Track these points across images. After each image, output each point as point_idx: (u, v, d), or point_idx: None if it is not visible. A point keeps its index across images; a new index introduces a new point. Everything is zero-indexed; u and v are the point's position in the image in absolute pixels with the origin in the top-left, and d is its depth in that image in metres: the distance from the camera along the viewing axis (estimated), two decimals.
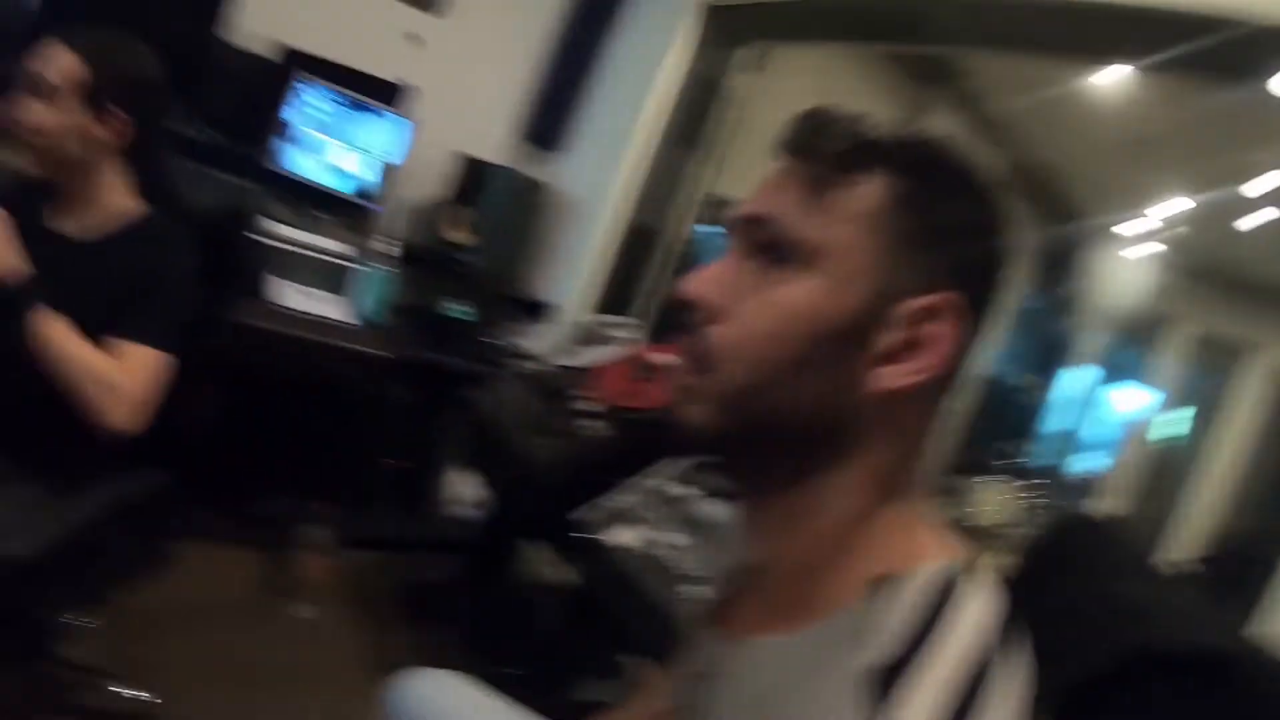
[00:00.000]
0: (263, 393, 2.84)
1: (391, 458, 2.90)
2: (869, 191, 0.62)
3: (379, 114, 2.77)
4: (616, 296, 2.78)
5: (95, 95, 1.36)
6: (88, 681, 1.89)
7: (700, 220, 2.64)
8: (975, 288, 0.63)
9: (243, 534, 2.69)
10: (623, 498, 1.74)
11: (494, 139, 3.13)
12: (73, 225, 1.44)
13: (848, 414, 0.63)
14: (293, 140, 2.79)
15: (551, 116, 3.10)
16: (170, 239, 1.44)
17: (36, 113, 1.34)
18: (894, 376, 0.62)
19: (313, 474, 2.79)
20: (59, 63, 1.35)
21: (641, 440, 1.88)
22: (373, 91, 2.83)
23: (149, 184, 1.49)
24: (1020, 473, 3.00)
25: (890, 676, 0.53)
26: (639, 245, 2.79)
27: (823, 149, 0.64)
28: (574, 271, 2.85)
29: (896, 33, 2.35)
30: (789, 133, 0.66)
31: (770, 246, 0.64)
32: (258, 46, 2.84)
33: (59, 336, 1.32)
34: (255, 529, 2.71)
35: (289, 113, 2.77)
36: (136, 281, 1.38)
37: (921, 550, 0.63)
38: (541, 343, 2.77)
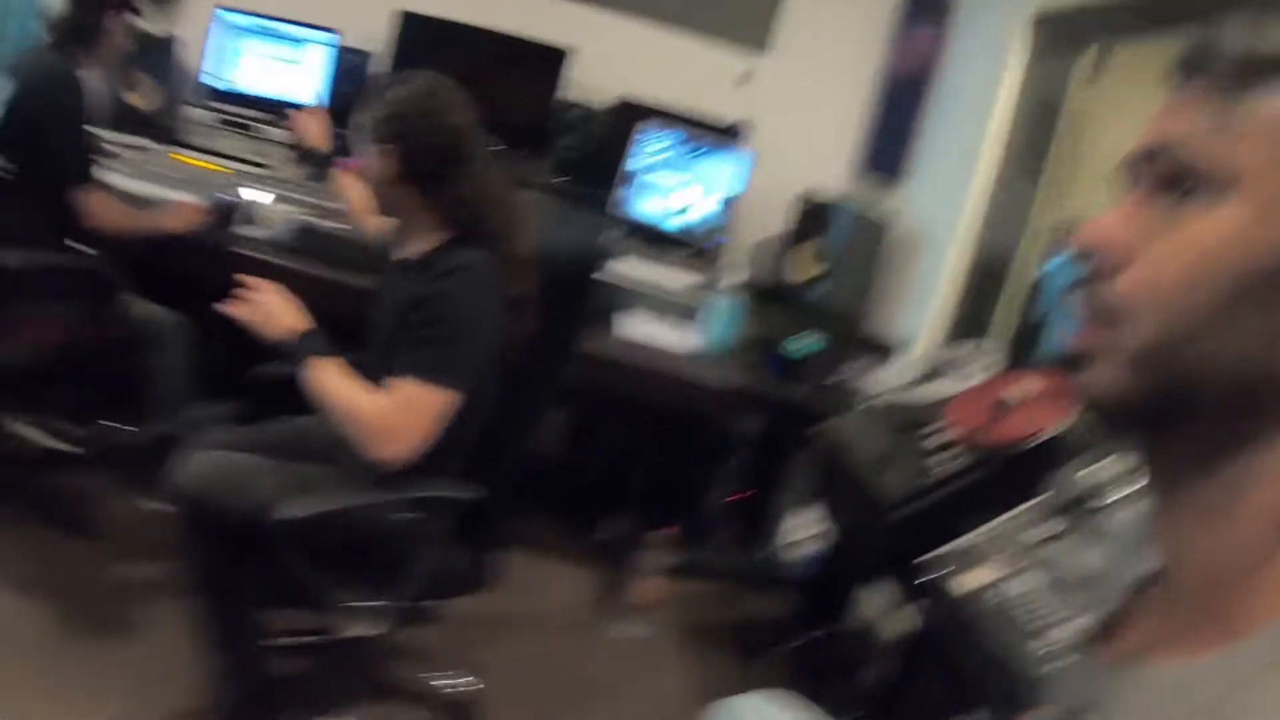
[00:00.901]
0: (612, 421, 3.07)
1: (733, 490, 2.95)
2: None
3: (717, 153, 2.88)
4: (966, 333, 2.62)
5: (378, 131, 1.57)
6: (416, 665, 2.14)
7: (1050, 250, 2.41)
8: None
9: (584, 553, 2.90)
10: (975, 539, 1.60)
11: (833, 173, 3.11)
12: (400, 252, 1.70)
13: None
14: (637, 184, 3.00)
15: (889, 146, 3.02)
16: (448, 282, 1.56)
17: (361, 161, 1.59)
18: None
19: (656, 501, 2.92)
20: (365, 113, 1.59)
21: (997, 477, 1.73)
22: (710, 133, 2.95)
23: (451, 208, 1.62)
24: None
25: None
26: (987, 277, 2.61)
27: (1224, 60, 0.53)
28: (921, 307, 2.72)
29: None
30: (1182, 51, 0.56)
31: (1175, 179, 0.53)
32: (598, 101, 3.12)
33: (333, 380, 1.54)
34: (596, 549, 2.91)
35: (632, 159, 2.98)
36: (422, 322, 1.54)
37: None
38: (891, 376, 2.68)
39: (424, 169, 1.58)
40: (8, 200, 2.13)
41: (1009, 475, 1.71)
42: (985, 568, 1.53)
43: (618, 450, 3.09)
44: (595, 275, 1.74)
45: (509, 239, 1.63)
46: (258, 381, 1.89)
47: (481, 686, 2.11)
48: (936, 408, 2.04)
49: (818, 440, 2.28)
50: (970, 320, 2.62)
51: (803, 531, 2.89)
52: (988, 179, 2.56)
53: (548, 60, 3.03)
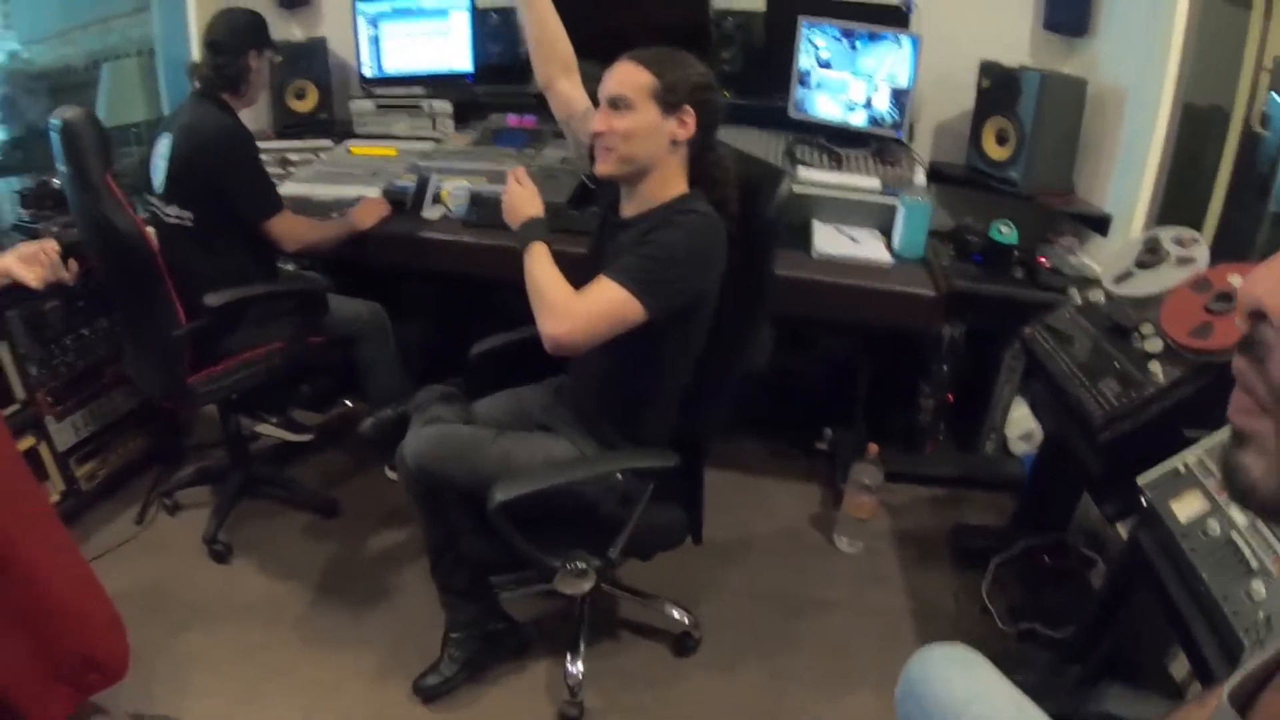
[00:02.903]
0: (822, 334, 3.13)
1: (946, 393, 2.95)
2: None
3: (886, 39, 2.77)
4: (1182, 200, 2.42)
5: (666, 98, 1.68)
6: (638, 600, 2.37)
7: (1276, 88, 2.15)
8: None
9: (802, 469, 3.05)
10: (1191, 458, 1.56)
11: (1015, 38, 2.91)
12: (630, 209, 1.81)
13: None
14: (807, 84, 2.95)
15: None
16: (683, 219, 1.69)
17: (621, 121, 1.69)
18: None
19: (871, 411, 3.00)
20: (631, 78, 1.69)
21: (1215, 388, 1.66)
22: (875, 18, 2.83)
23: (699, 168, 1.78)
24: None
25: None
26: (1202, 132, 2.38)
27: None
28: (1129, 173, 2.53)
29: None
30: None
31: None
32: (748, 4, 3.06)
33: (535, 261, 1.70)
34: (814, 464, 3.05)
35: (796, 57, 2.93)
36: (640, 245, 1.68)
37: None
38: (1098, 265, 2.54)
39: (708, 132, 1.75)
40: (197, 248, 2.42)
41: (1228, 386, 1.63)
42: (1202, 491, 1.50)
43: (830, 362, 3.15)
44: (781, 198, 1.77)
45: (733, 200, 1.78)
46: (476, 358, 2.16)
47: (695, 617, 2.32)
48: (1147, 306, 1.95)
49: (1025, 342, 2.23)
50: (1186, 183, 2.43)
51: (1018, 434, 2.87)
52: (1189, 17, 2.32)
53: None
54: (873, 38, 2.79)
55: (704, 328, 1.79)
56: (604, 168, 1.76)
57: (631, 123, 1.69)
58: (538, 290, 1.67)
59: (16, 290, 2.46)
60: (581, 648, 2.18)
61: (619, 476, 1.84)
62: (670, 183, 1.77)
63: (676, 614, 2.32)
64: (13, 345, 2.55)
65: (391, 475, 2.88)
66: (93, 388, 2.82)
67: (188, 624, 2.38)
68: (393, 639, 2.31)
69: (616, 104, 1.70)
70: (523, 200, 1.79)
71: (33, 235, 2.58)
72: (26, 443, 2.62)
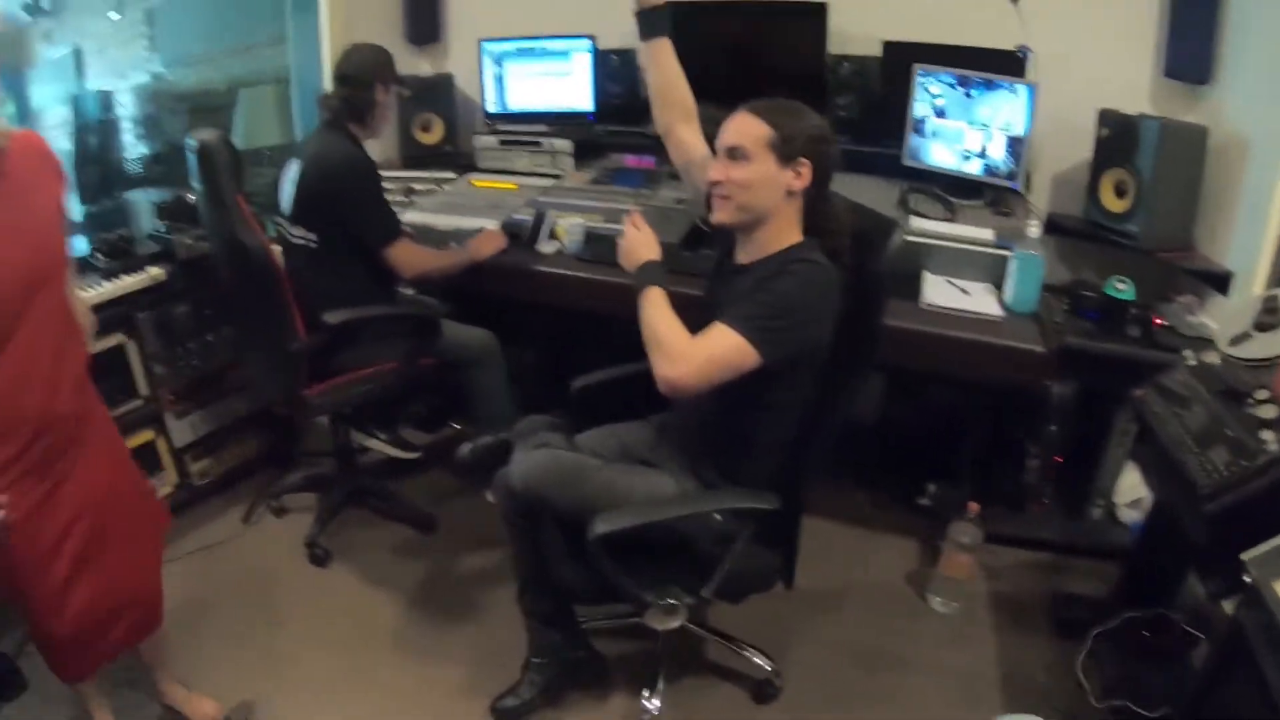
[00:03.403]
0: (929, 385, 3.10)
1: (1053, 454, 2.89)
2: None
3: (1001, 87, 2.76)
4: None
5: (783, 149, 1.75)
6: (722, 641, 2.38)
7: None
8: None
9: (902, 522, 3.01)
10: None
11: (1134, 85, 2.86)
12: (744, 256, 1.88)
13: None
14: (922, 132, 2.96)
15: (1192, 44, 2.67)
16: (798, 267, 1.74)
17: (739, 171, 1.76)
18: None
19: (975, 467, 2.93)
20: (748, 129, 1.77)
21: None
22: (991, 65, 2.83)
23: (814, 217, 1.84)
24: None
25: None
26: None
27: None
28: (1250, 229, 2.45)
29: None
30: None
31: None
32: (864, 49, 3.09)
33: (651, 305, 1.75)
34: (914, 518, 3.00)
35: (912, 105, 2.95)
36: (756, 292, 1.73)
37: None
38: (1216, 324, 2.47)
39: (823, 183, 1.81)
40: (320, 268, 2.58)
41: None
42: None
43: (937, 415, 3.11)
44: (893, 250, 1.81)
45: (846, 250, 1.82)
46: (579, 392, 2.24)
47: (778, 665, 2.32)
48: (1263, 370, 1.90)
49: (1136, 405, 2.18)
50: None
51: (1127, 501, 2.79)
52: None
53: (808, 16, 3.03)
54: (988, 85, 2.79)
55: (814, 375, 1.83)
56: (721, 216, 1.83)
57: (749, 173, 1.76)
58: (654, 333, 1.73)
59: (148, 293, 2.70)
60: (660, 685, 2.23)
61: (717, 516, 1.87)
62: (785, 232, 1.82)
63: (759, 660, 2.33)
64: (141, 345, 2.77)
65: (491, 498, 2.97)
66: (212, 390, 3.03)
67: (280, 620, 2.55)
68: (475, 657, 2.40)
69: (734, 154, 1.77)
70: (640, 244, 1.87)
71: (167, 245, 2.80)
72: (145, 436, 2.84)
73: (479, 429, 2.71)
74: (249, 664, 2.38)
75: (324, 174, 2.52)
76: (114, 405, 1.73)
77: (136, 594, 1.93)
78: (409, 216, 2.97)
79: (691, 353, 1.69)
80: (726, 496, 1.91)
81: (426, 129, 3.53)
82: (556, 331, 3.16)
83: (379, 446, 3.00)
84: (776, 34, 3.12)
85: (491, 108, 3.50)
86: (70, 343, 1.74)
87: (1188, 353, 2.15)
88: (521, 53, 3.40)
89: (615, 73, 3.34)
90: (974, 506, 2.58)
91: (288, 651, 2.44)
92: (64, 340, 1.71)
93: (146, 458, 2.82)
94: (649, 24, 2.11)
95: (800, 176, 1.76)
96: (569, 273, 2.71)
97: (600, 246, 2.72)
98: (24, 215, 1.60)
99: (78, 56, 3.14)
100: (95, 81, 3.18)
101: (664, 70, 2.12)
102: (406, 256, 2.59)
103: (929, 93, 2.92)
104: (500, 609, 2.51)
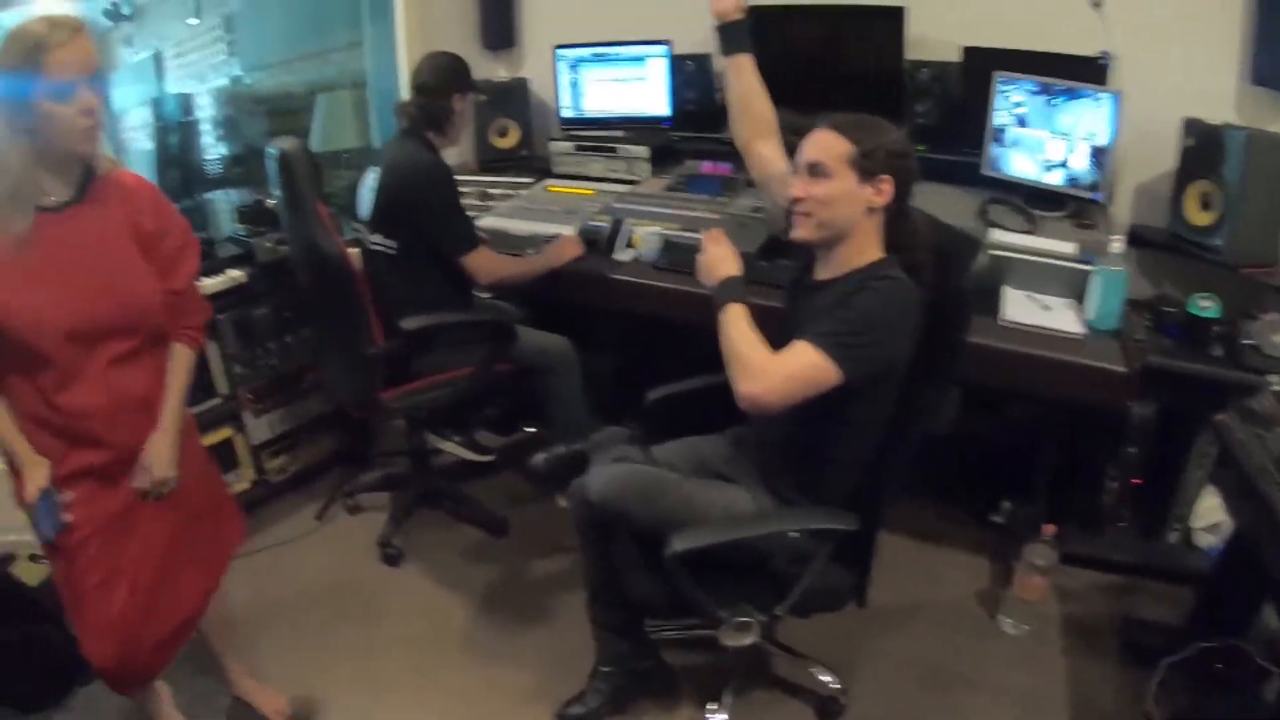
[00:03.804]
0: (1007, 401, 3.06)
1: (1132, 475, 2.85)
2: None
3: (1083, 95, 2.73)
4: None
5: (864, 165, 1.76)
6: (788, 657, 2.40)
7: None
8: None
9: (976, 539, 2.99)
10: None
11: (1220, 93, 2.79)
12: (824, 272, 1.89)
13: None
14: (1002, 141, 2.94)
15: None
16: (879, 284, 1.75)
17: (819, 188, 1.78)
18: None
19: (1053, 486, 2.91)
20: (829, 145, 1.78)
21: None
22: (1070, 72, 2.79)
23: (894, 233, 1.84)
24: None
25: None
26: None
27: None
28: None
29: None
30: None
31: None
32: (943, 54, 3.06)
33: (731, 322, 1.77)
34: (988, 535, 2.99)
35: (991, 112, 2.92)
36: (836, 309, 1.74)
37: None
38: None
39: (904, 198, 1.82)
40: (398, 273, 2.65)
41: None
42: None
43: (1013, 431, 3.08)
44: (977, 269, 1.82)
45: (928, 266, 1.83)
46: (654, 403, 2.27)
47: (844, 682, 2.34)
48: None
49: (1217, 428, 2.16)
50: None
51: (1205, 525, 2.75)
52: None
53: (886, 21, 3.01)
54: (1071, 94, 2.75)
55: (893, 392, 1.83)
56: (801, 232, 1.84)
57: (829, 189, 1.77)
58: (735, 350, 1.74)
59: (229, 295, 2.80)
60: (727, 698, 2.25)
61: (794, 534, 1.90)
62: (866, 248, 1.83)
63: (826, 677, 2.35)
64: (222, 345, 2.88)
65: (564, 505, 3.01)
66: (290, 390, 3.15)
67: (350, 617, 2.65)
68: (543, 662, 2.45)
69: (815, 170, 1.78)
70: (719, 260, 1.88)
71: (247, 248, 2.90)
72: (224, 434, 2.97)
73: (554, 435, 2.76)
74: (316, 659, 2.47)
75: (403, 182, 2.59)
76: (195, 403, 1.82)
77: (189, 618, 1.96)
78: (485, 221, 3.04)
79: (773, 370, 1.70)
80: (805, 516, 1.93)
81: (502, 134, 3.61)
82: (630, 338, 3.20)
83: (452, 449, 3.08)
84: (854, 39, 3.10)
85: (567, 113, 3.56)
86: (157, 383, 1.81)
87: (1273, 376, 2.13)
88: (596, 58, 3.45)
89: (691, 78, 3.36)
90: (1050, 529, 2.57)
91: (356, 648, 2.52)
92: (150, 380, 1.79)
93: (224, 454, 2.94)
94: (730, 39, 2.14)
95: (881, 193, 1.77)
96: (646, 281, 2.74)
97: (677, 255, 2.74)
98: (103, 258, 1.65)
99: (158, 60, 3.28)
100: (175, 85, 3.32)
101: (744, 85, 2.15)
102: (484, 264, 2.65)
103: (1010, 100, 2.90)
104: (570, 614, 2.56)
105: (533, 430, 3.41)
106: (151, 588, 1.81)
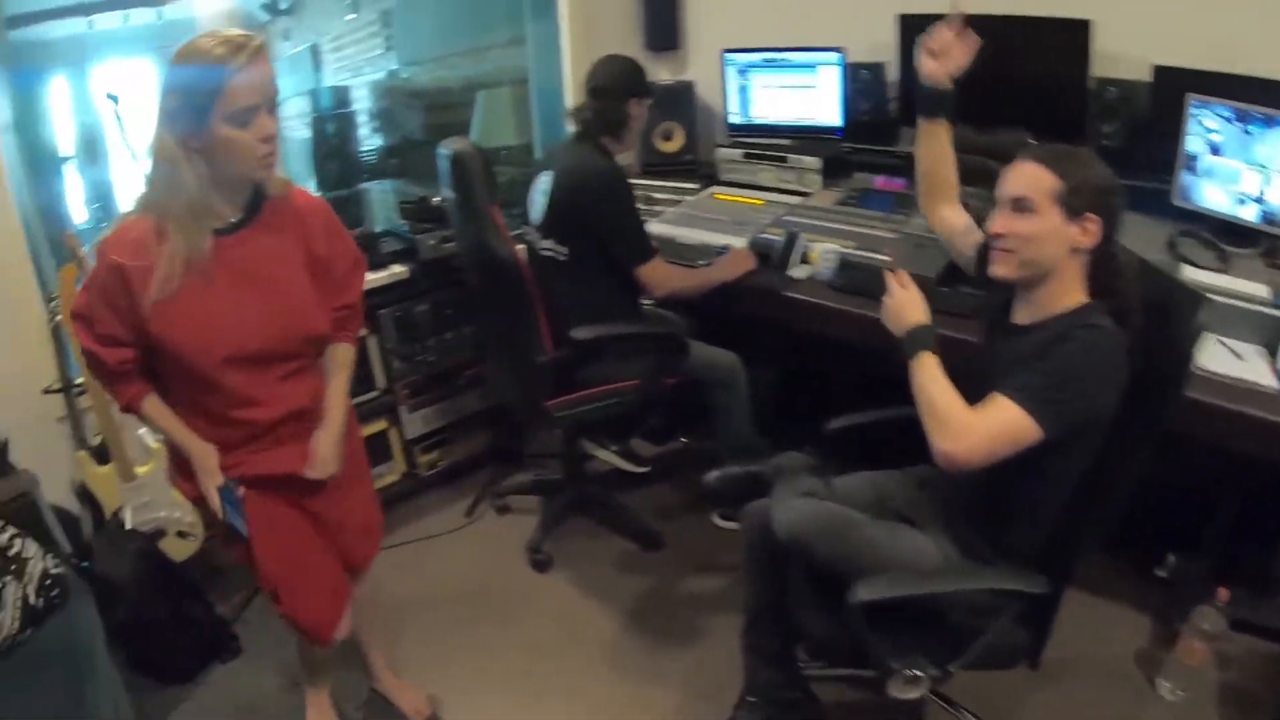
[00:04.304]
0: (1188, 449, 2.92)
1: None
2: None
3: None
4: None
5: (1071, 202, 1.70)
6: (943, 705, 2.34)
7: None
8: None
9: (1141, 592, 2.86)
10: None
11: None
12: (1024, 315, 1.83)
13: None
14: (1194, 170, 2.82)
15: None
16: (1084, 333, 1.68)
17: (1023, 224, 1.72)
18: None
19: (1229, 544, 2.78)
20: (1035, 179, 1.72)
21: None
22: (1270, 99, 2.65)
23: (1099, 277, 1.77)
24: None
25: None
26: None
27: None
28: None
29: None
30: None
31: None
32: (1132, 72, 2.92)
33: (925, 373, 1.73)
34: (1155, 589, 2.85)
35: (1183, 138, 2.80)
36: (1038, 359, 1.67)
37: None
38: None
39: (1111, 239, 1.75)
40: (568, 280, 2.66)
41: None
42: None
43: (1186, 480, 2.87)
44: (1199, 328, 1.68)
45: (1136, 313, 1.75)
46: (834, 432, 2.22)
47: None
48: None
49: None
50: None
51: None
52: None
53: (1071, 36, 2.89)
54: (1269, 122, 2.63)
55: (1094, 444, 1.77)
56: (1002, 270, 1.78)
57: (1034, 226, 1.70)
58: (931, 405, 1.70)
59: (392, 289, 2.87)
60: None
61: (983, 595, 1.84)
62: (1069, 291, 1.77)
63: None
64: (381, 340, 2.96)
65: (720, 523, 3.04)
66: (446, 387, 3.22)
67: (488, 617, 2.69)
68: (688, 683, 2.44)
69: (1019, 206, 1.72)
70: (908, 305, 1.84)
71: (410, 244, 2.97)
72: (379, 426, 3.05)
73: (723, 451, 2.75)
74: (453, 657, 2.52)
75: (578, 188, 2.59)
76: (353, 395, 1.88)
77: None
78: (651, 228, 3.02)
79: (974, 428, 1.65)
80: (994, 576, 1.87)
81: (668, 137, 3.59)
82: (798, 355, 3.16)
83: (607, 457, 3.09)
84: (1035, 52, 2.98)
85: (735, 119, 3.52)
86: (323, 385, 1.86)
87: None
88: (767, 64, 3.39)
89: (865, 88, 3.28)
90: (1223, 593, 2.47)
91: (495, 649, 2.56)
92: (318, 383, 1.84)
93: (378, 447, 3.03)
94: (933, 103, 2.13)
95: (1087, 233, 1.70)
96: (822, 301, 2.66)
97: (854, 275, 2.69)
98: (273, 283, 1.67)
99: (315, 53, 3.37)
100: (332, 78, 3.42)
101: (937, 152, 2.14)
102: (658, 276, 2.64)
103: (1203, 126, 2.78)
104: (718, 636, 2.55)
105: (687, 440, 3.41)
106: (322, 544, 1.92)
